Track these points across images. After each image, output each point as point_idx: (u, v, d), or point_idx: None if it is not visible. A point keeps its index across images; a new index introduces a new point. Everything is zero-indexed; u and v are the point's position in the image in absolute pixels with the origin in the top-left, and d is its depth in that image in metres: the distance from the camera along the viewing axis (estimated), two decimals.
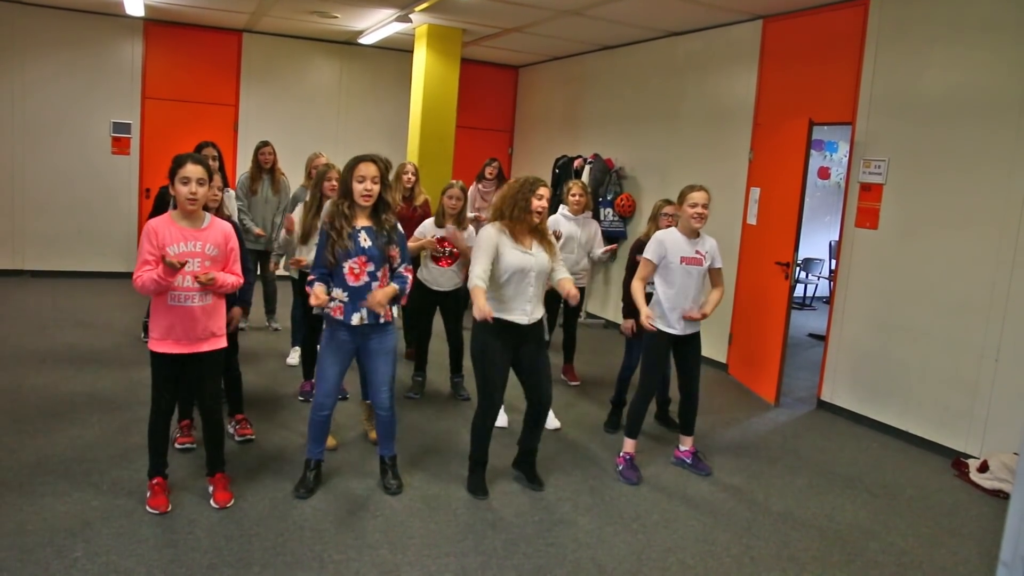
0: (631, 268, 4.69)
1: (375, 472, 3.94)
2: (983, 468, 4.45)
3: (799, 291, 10.23)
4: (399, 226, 3.65)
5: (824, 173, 10.80)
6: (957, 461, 4.69)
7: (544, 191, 3.70)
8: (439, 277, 5.09)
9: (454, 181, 5.08)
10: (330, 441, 4.07)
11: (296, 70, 9.50)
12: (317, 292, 3.38)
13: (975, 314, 4.73)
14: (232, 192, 5.69)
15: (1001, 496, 4.25)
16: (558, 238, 4.79)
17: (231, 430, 4.28)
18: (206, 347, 3.33)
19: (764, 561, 3.38)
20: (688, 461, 4.37)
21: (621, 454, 4.26)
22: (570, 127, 9.23)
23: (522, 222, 3.68)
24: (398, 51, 9.57)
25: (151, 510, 3.35)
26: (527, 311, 3.69)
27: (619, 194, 7.93)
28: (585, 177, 7.88)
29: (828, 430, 5.31)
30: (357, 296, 3.47)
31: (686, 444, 4.40)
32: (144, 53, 8.77)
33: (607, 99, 8.54)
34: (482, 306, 3.42)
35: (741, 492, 4.10)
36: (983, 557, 3.57)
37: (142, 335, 6.10)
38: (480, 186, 7.52)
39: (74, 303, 7.39)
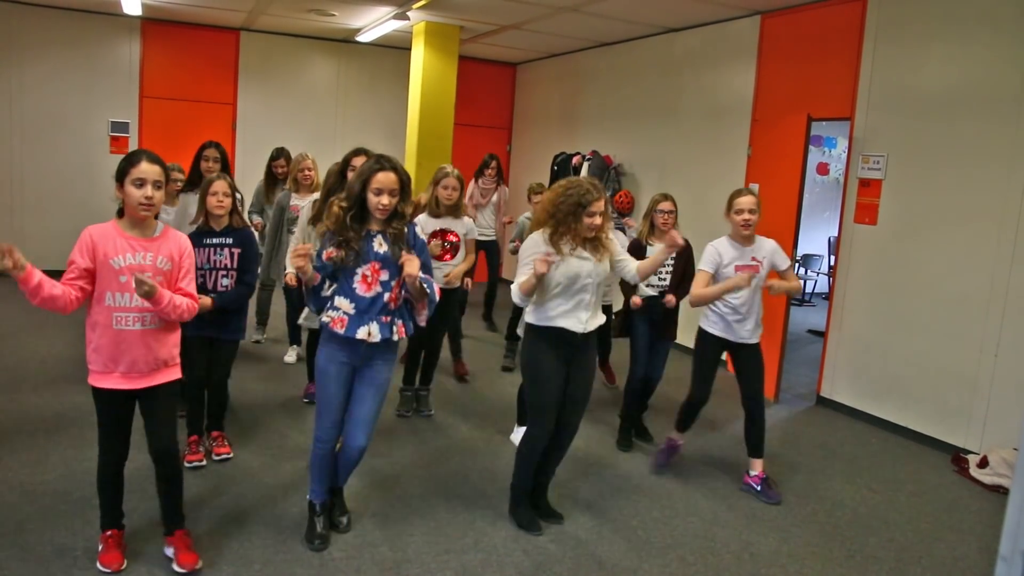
0: None
1: (373, 469, 3.94)
2: (983, 464, 4.45)
3: None
4: (416, 230, 3.21)
5: (823, 169, 10.79)
6: (957, 456, 4.69)
7: (598, 206, 3.27)
8: (439, 273, 4.63)
9: (449, 169, 4.69)
10: None
11: (294, 68, 9.48)
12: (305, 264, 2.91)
13: (974, 309, 4.73)
14: (239, 196, 5.29)
15: (1001, 491, 4.25)
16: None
17: (209, 447, 3.99)
18: (159, 379, 2.81)
19: (764, 557, 3.38)
20: (757, 487, 4.02)
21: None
22: (568, 124, 9.22)
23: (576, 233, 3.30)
24: (396, 49, 9.56)
25: (102, 568, 2.86)
26: (582, 319, 3.32)
27: (617, 191, 7.89)
28: (584, 174, 7.88)
29: (827, 426, 5.31)
30: (365, 309, 3.02)
31: (756, 468, 4.06)
32: (142, 52, 8.76)
33: (605, 96, 8.53)
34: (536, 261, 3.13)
35: (740, 489, 4.10)
36: (982, 552, 3.58)
37: None
38: (480, 183, 7.16)
39: None
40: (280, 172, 5.99)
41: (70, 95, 8.51)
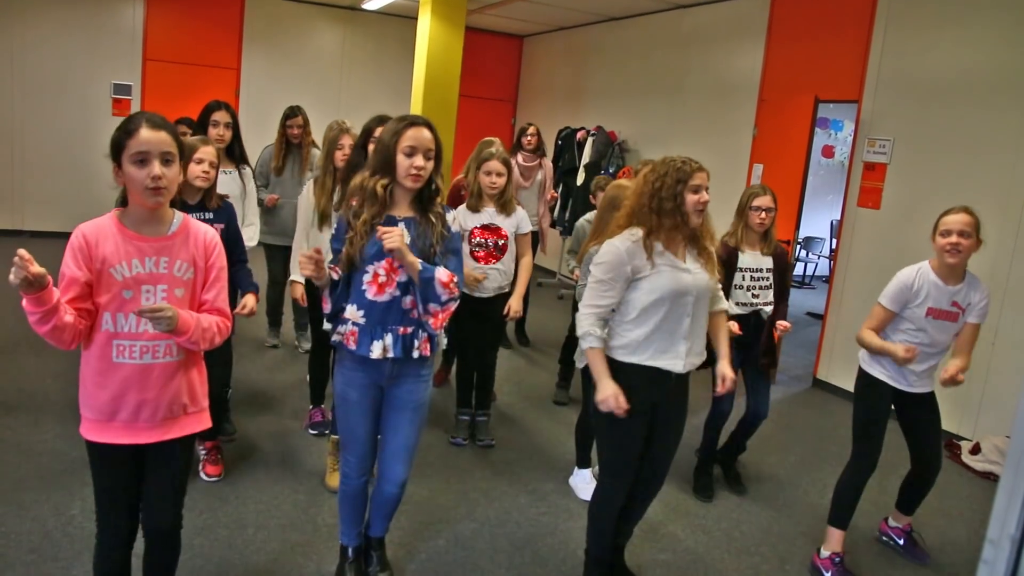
0: None
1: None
2: (975, 450, 4.48)
3: (799, 269, 10.23)
4: (453, 221, 2.54)
5: (828, 151, 10.74)
6: (950, 443, 4.71)
7: (701, 177, 2.52)
8: (488, 284, 3.85)
9: (495, 148, 3.81)
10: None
11: (299, 34, 9.40)
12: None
13: None
14: (249, 170, 4.28)
15: (991, 478, 4.29)
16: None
17: (199, 453, 3.44)
18: (174, 432, 2.07)
19: (753, 536, 3.42)
20: (899, 540, 3.46)
21: (824, 554, 3.16)
22: (574, 99, 9.15)
23: (674, 227, 2.53)
24: (402, 18, 9.47)
25: None
26: (680, 354, 2.57)
27: (621, 167, 7.89)
28: (588, 149, 7.85)
29: (822, 408, 5.34)
30: (379, 317, 2.41)
31: (900, 521, 3.47)
32: (145, 14, 8.67)
33: (611, 71, 8.46)
34: (607, 387, 2.48)
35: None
36: (971, 537, 3.61)
37: None
38: (519, 159, 5.81)
39: None
40: (295, 134, 5.20)
41: (72, 55, 8.43)
